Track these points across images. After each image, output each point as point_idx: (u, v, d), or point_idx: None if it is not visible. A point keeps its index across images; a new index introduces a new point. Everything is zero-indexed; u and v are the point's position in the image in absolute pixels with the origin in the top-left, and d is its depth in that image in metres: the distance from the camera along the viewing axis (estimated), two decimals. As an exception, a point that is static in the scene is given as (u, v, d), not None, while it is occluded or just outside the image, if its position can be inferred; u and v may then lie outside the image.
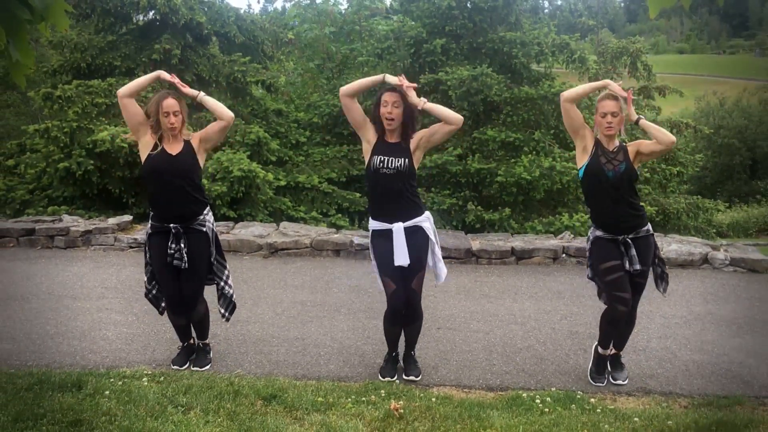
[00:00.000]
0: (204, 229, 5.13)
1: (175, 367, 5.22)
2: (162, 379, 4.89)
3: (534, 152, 11.40)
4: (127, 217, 9.63)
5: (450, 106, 11.82)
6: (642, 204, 5.25)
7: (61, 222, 9.28)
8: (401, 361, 5.30)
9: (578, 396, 4.78)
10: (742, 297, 7.32)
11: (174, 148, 5.05)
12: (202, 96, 5.17)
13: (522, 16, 13.80)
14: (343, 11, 17.19)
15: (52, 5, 2.97)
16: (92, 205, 10.99)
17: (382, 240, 5.03)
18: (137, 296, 6.94)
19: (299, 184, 11.56)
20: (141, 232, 9.08)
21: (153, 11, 12.55)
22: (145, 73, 11.72)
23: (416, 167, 5.08)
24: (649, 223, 5.12)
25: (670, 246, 8.62)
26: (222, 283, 5.33)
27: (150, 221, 5.20)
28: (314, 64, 16.34)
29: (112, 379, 4.82)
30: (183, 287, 5.16)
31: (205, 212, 5.17)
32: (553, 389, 4.92)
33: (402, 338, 5.26)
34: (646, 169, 12.10)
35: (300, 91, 16.10)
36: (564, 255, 8.53)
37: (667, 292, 5.41)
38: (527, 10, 15.17)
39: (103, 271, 7.89)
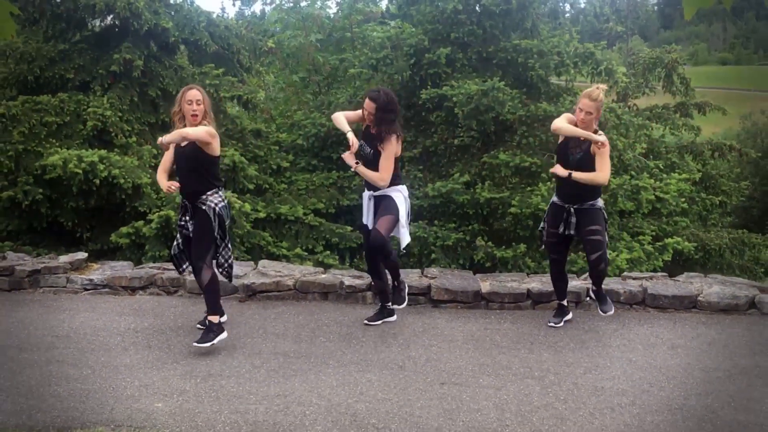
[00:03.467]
0: (204, 207, 6.83)
1: (195, 344, 6.71)
2: (122, 442, 4.93)
3: (553, 179, 11.44)
4: (81, 255, 9.64)
5: (456, 126, 12.10)
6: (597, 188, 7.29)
7: (4, 260, 9.30)
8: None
9: (605, 462, 4.82)
10: (795, 347, 7.34)
11: None
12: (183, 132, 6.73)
13: (539, 21, 13.84)
14: (332, 16, 17.32)
15: (-5, 8, 2.95)
16: (41, 240, 11.02)
17: (363, 201, 7.56)
18: (92, 346, 6.99)
19: (281, 216, 11.60)
20: (97, 272, 9.12)
21: (111, 16, 12.57)
22: (102, 87, 11.91)
23: None
24: (598, 200, 7.26)
25: (711, 288, 8.66)
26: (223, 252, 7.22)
27: None
28: (298, 76, 16.44)
29: (63, 443, 4.86)
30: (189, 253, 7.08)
31: (209, 193, 6.87)
32: (576, 454, 4.97)
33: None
34: (683, 200, 12.16)
35: (282, 108, 16.16)
36: (588, 298, 8.52)
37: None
38: (545, 15, 15.34)
39: (53, 317, 7.91)
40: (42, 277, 8.98)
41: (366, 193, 7.49)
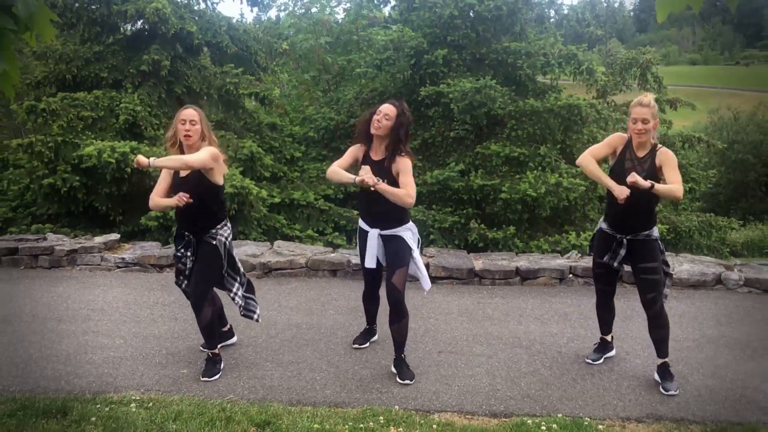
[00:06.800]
0: (214, 242, 5.57)
1: (204, 379, 5.52)
2: (150, 405, 4.90)
3: (540, 168, 11.41)
4: (114, 236, 9.64)
5: (452, 120, 12.04)
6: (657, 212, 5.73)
7: (45, 241, 9.30)
8: (393, 367, 5.72)
9: (586, 422, 4.79)
10: (757, 319, 7.32)
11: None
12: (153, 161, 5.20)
13: (527, 25, 13.80)
14: (340, 21, 17.27)
15: (37, 14, 2.95)
16: (78, 223, 11.00)
17: (363, 239, 5.77)
18: (124, 318, 6.97)
19: (294, 201, 11.57)
20: (129, 251, 9.10)
21: (141, 21, 12.56)
22: (133, 85, 11.90)
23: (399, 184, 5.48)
24: (654, 230, 5.58)
25: (681, 266, 8.64)
26: (232, 295, 5.83)
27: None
28: (310, 75, 16.42)
29: (98, 405, 4.83)
30: (189, 290, 5.68)
31: (218, 226, 5.61)
32: (560, 415, 4.94)
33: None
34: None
35: (295, 104, 16.16)
36: (571, 275, 8.54)
37: (664, 299, 5.63)
38: (532, 20, 15.18)
39: (89, 292, 7.92)
40: (79, 256, 8.98)
41: (372, 232, 5.64)
